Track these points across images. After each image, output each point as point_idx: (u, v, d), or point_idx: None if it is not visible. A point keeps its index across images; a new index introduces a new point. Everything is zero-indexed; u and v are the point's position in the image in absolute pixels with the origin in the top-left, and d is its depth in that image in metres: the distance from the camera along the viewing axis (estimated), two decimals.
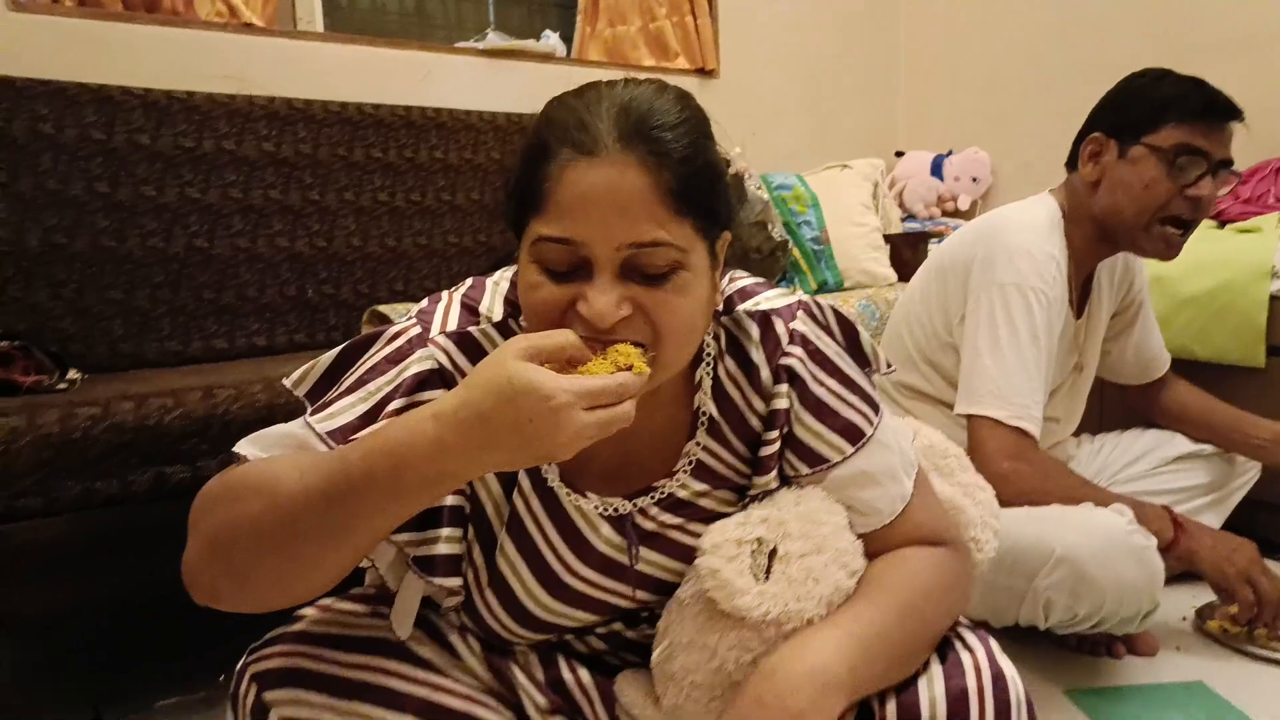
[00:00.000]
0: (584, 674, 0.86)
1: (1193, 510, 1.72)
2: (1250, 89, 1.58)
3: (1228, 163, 1.48)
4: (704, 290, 0.73)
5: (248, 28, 2.18)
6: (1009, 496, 1.25)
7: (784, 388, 0.80)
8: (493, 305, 0.81)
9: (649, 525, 0.83)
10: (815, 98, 3.29)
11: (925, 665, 0.78)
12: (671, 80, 0.76)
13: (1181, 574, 1.66)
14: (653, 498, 0.82)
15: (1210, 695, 1.40)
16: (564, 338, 0.65)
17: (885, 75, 3.51)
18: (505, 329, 0.79)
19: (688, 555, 0.81)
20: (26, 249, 1.67)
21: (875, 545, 0.83)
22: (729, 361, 0.82)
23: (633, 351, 0.67)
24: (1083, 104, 1.58)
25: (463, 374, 0.75)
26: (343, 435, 0.72)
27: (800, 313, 0.82)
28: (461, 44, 2.54)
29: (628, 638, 0.88)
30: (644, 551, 0.83)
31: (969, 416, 1.46)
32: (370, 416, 0.74)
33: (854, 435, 0.81)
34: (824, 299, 0.89)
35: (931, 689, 0.76)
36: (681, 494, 0.82)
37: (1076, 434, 1.86)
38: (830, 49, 3.32)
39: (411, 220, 2.20)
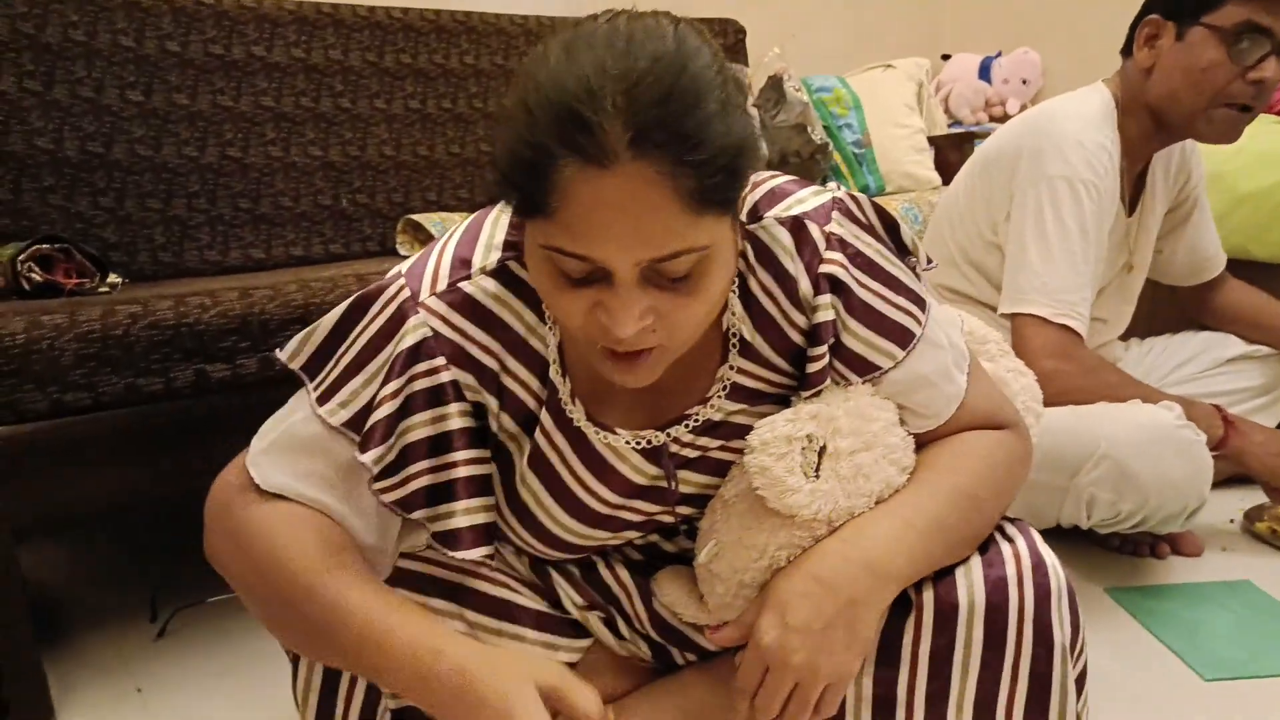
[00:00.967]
0: (622, 571, 0.86)
1: (1246, 413, 1.67)
2: None
3: None
4: (727, 255, 0.67)
5: None
6: (1052, 395, 1.21)
7: (827, 298, 0.74)
8: (489, 250, 0.75)
9: (686, 453, 0.80)
10: None
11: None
12: None
13: (1229, 478, 1.63)
14: (687, 425, 0.78)
15: (1258, 593, 1.38)
16: (588, 707, 0.67)
17: None
18: (503, 274, 0.75)
19: (730, 470, 0.80)
20: (65, 157, 1.68)
21: (933, 438, 0.81)
22: (761, 274, 0.75)
23: None
24: None
25: (459, 332, 0.73)
26: (355, 427, 0.72)
27: (835, 213, 0.75)
28: None
29: (665, 550, 0.87)
30: (683, 474, 0.81)
31: (1013, 315, 1.43)
32: (373, 403, 0.72)
33: (904, 338, 0.77)
34: None
35: (970, 576, 0.75)
36: (717, 417, 0.79)
37: (1124, 337, 1.82)
38: None
39: (444, 128, 2.17)
